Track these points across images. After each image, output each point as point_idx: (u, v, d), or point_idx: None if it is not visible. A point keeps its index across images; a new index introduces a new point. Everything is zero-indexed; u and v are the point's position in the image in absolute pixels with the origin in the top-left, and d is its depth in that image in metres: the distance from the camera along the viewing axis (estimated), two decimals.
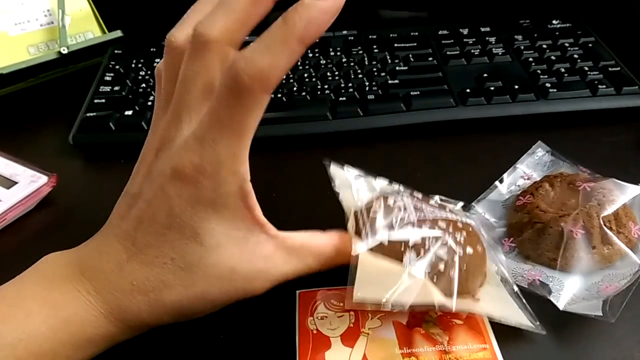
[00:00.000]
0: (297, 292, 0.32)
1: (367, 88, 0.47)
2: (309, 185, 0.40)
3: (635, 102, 0.45)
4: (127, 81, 0.49)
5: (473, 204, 0.37)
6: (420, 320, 0.30)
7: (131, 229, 0.27)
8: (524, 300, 0.29)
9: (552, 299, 0.30)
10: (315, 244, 0.28)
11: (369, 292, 0.27)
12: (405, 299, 0.27)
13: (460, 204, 0.34)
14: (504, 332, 0.29)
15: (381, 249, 0.28)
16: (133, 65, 0.52)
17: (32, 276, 0.27)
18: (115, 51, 0.54)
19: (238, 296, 0.27)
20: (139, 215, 0.27)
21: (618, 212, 0.32)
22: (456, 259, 0.28)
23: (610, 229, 0.31)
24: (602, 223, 0.31)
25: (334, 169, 0.34)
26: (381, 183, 0.34)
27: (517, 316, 0.29)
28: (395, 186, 0.34)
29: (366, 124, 0.45)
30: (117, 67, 0.51)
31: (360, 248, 0.28)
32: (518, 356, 0.29)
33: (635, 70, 0.48)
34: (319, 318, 0.31)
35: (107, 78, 0.50)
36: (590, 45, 0.51)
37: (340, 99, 0.46)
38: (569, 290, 0.30)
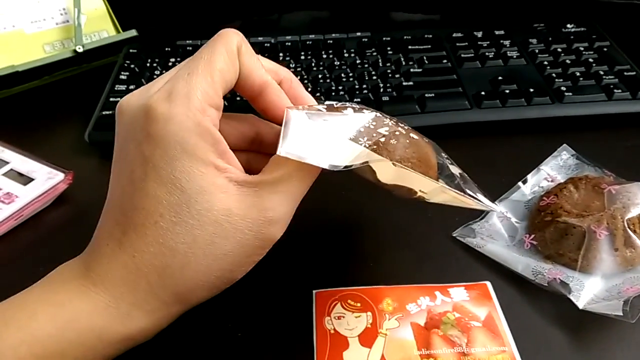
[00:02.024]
0: (314, 292, 0.32)
1: (381, 89, 0.47)
2: (319, 185, 0.40)
3: None
4: (143, 80, 0.50)
5: (495, 202, 0.37)
6: (438, 322, 0.30)
7: (116, 198, 0.25)
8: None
9: (572, 297, 0.30)
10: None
11: (297, 149, 0.25)
12: (337, 161, 0.25)
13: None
14: (523, 334, 0.29)
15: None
16: (148, 65, 0.52)
17: (40, 284, 0.26)
18: (131, 50, 0.54)
19: (259, 243, 0.25)
20: (120, 178, 0.25)
21: None
22: (398, 133, 0.27)
23: (634, 232, 0.31)
24: (626, 225, 0.31)
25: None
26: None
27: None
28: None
29: None
30: (132, 66, 0.51)
31: (294, 112, 0.26)
32: (537, 359, 0.29)
33: None
34: (336, 318, 0.31)
35: (123, 77, 0.50)
36: (605, 49, 0.51)
37: (355, 100, 0.46)
38: (589, 290, 0.30)
